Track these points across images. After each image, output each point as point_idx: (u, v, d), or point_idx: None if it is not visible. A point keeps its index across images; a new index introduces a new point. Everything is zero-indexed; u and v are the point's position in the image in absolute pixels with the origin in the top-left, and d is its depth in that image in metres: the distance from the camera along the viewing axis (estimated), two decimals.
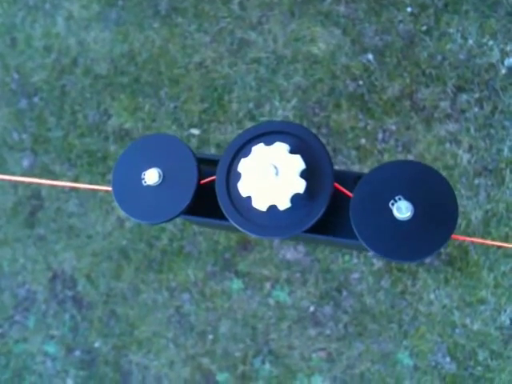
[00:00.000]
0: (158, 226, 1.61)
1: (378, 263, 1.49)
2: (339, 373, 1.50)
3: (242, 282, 1.57)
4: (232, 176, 0.50)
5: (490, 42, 1.50)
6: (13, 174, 1.74)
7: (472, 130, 1.47)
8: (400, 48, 1.54)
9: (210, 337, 1.58)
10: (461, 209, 1.45)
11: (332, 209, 0.48)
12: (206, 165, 0.53)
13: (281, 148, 0.48)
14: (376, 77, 1.54)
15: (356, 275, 1.50)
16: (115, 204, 1.70)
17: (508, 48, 1.48)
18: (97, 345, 1.65)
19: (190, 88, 1.65)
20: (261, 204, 0.47)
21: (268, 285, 1.56)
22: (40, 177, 1.71)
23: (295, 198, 0.47)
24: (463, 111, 1.49)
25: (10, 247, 1.72)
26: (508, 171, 1.45)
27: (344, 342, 1.50)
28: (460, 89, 1.50)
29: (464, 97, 1.49)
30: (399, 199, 0.45)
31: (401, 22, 1.55)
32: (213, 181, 0.51)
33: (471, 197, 1.45)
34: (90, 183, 1.68)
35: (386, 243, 0.45)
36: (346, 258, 1.51)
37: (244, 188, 0.48)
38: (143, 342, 1.62)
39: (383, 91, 1.53)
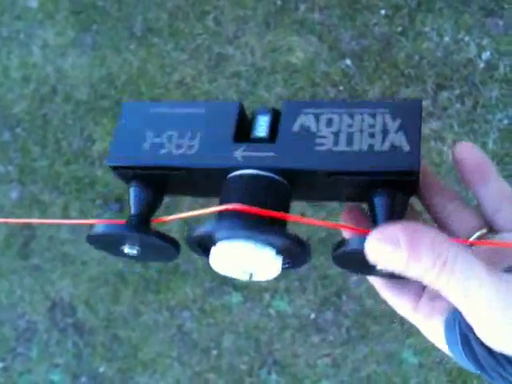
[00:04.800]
0: None
1: None
2: (346, 377, 1.51)
3: (240, 295, 1.57)
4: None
5: (466, 38, 1.50)
6: (2, 207, 1.73)
7: (455, 127, 1.48)
8: (377, 51, 1.55)
9: (214, 352, 1.58)
10: None
11: None
12: None
13: (246, 247, 0.41)
14: (356, 81, 1.55)
15: (354, 278, 1.51)
16: None
17: (484, 42, 1.49)
18: (102, 369, 1.65)
19: None
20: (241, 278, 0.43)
21: (267, 295, 1.56)
22: (30, 207, 1.71)
23: None
24: (445, 108, 1.50)
25: (7, 279, 1.72)
26: (494, 164, 1.46)
27: (348, 346, 1.51)
28: (440, 86, 1.51)
29: (445, 94, 1.50)
30: None
31: (376, 24, 1.56)
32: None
33: (460, 192, 1.46)
34: (80, 210, 1.68)
35: None
36: None
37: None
38: (148, 363, 1.62)
39: (364, 95, 1.54)
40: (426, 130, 1.49)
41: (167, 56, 1.69)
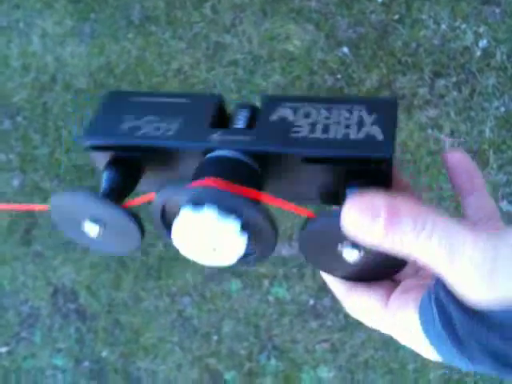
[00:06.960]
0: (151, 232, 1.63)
1: None
2: (344, 362, 1.52)
3: (240, 281, 1.59)
4: (167, 214, 0.44)
5: (463, 26, 1.50)
6: (4, 194, 1.75)
7: (452, 114, 1.49)
8: (374, 39, 1.55)
9: (215, 337, 1.60)
10: (449, 193, 1.46)
11: None
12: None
13: (210, 214, 0.40)
14: (353, 69, 1.55)
15: None
16: None
17: (481, 30, 1.49)
18: (104, 354, 1.67)
19: None
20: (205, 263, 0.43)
21: (266, 282, 1.58)
22: (31, 195, 1.72)
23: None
24: (442, 96, 1.50)
25: (9, 266, 1.74)
26: (491, 152, 1.46)
27: (346, 332, 1.53)
28: (437, 74, 1.51)
29: (442, 82, 1.50)
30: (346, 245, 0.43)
31: (372, 12, 1.56)
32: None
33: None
34: None
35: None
36: None
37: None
38: (149, 348, 1.64)
39: (362, 83, 1.54)
40: (423, 117, 1.49)
41: (165, 44, 1.69)
